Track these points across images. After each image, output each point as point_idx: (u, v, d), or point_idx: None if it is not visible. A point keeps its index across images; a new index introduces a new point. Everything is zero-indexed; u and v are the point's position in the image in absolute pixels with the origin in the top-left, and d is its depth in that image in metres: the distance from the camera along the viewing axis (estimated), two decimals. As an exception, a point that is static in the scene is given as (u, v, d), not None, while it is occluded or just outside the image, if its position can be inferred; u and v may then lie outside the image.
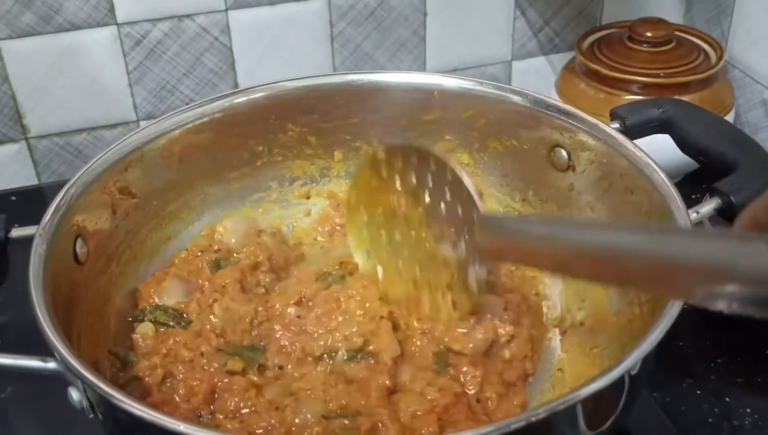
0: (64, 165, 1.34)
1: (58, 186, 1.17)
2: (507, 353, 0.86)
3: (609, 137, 0.90)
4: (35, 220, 0.82)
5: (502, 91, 0.99)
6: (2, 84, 1.25)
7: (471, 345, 0.85)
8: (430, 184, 0.85)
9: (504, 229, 0.80)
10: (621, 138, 0.89)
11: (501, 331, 0.87)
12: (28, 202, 1.27)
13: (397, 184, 0.87)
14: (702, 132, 0.89)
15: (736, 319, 0.96)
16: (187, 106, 0.99)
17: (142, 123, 1.34)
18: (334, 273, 0.94)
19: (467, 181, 0.81)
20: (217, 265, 0.96)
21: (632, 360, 0.67)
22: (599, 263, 0.69)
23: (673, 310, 0.69)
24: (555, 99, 0.97)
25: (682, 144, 0.90)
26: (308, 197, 1.08)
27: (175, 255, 0.99)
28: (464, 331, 0.86)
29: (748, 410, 0.90)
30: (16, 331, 1.01)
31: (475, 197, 0.81)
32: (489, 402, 0.82)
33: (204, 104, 1.00)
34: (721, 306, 0.58)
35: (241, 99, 1.01)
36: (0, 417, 0.95)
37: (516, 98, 0.98)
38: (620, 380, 0.67)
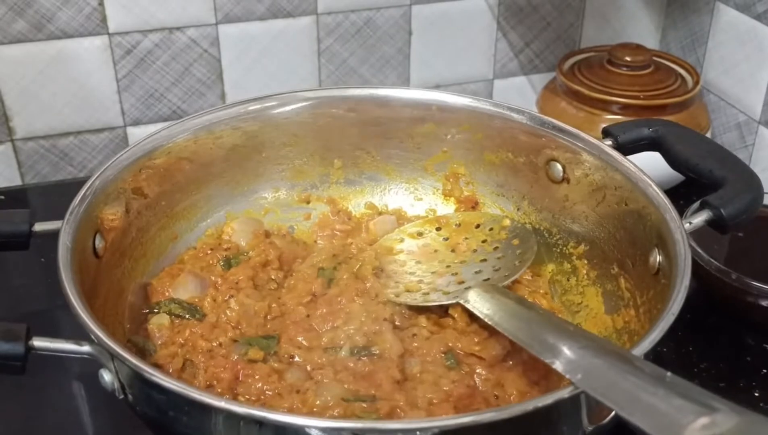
0: (48, 167, 1.37)
1: (42, 187, 1.22)
2: (525, 354, 0.88)
3: (604, 153, 0.96)
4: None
5: (500, 109, 1.06)
6: None
7: (486, 353, 0.89)
8: (495, 256, 1.02)
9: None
10: (615, 154, 0.96)
11: None
12: (12, 203, 1.31)
13: (483, 236, 1.06)
14: (691, 150, 0.94)
15: (719, 326, 1.02)
16: (198, 113, 1.04)
17: (130, 129, 1.38)
18: (326, 266, 1.00)
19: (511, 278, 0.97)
20: (228, 263, 1.01)
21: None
22: None
23: (674, 308, 0.75)
24: (551, 117, 1.03)
25: (672, 161, 0.96)
26: (308, 202, 1.13)
27: (184, 252, 1.04)
28: (477, 340, 0.91)
29: None
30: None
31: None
32: (511, 398, 0.85)
33: (214, 111, 1.05)
34: None
35: (250, 107, 1.07)
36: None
37: (514, 115, 1.04)
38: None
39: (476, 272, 0.99)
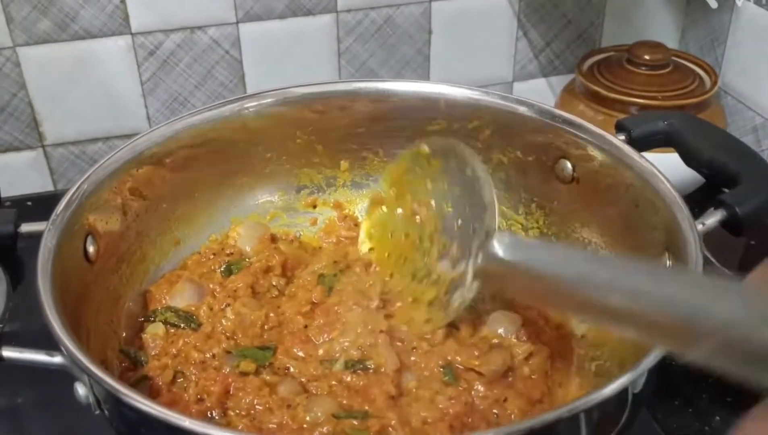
0: (79, 173, 1.27)
1: None
2: (526, 370, 0.81)
3: (615, 148, 0.87)
4: (49, 224, 0.80)
5: (508, 102, 0.96)
6: (19, 90, 1.23)
7: (486, 368, 0.80)
8: (458, 194, 0.82)
9: (517, 261, 0.74)
10: (627, 149, 0.86)
11: (517, 350, 0.83)
12: (44, 209, 1.22)
13: (429, 185, 0.84)
14: (706, 144, 0.86)
15: None
16: (198, 110, 0.96)
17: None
18: (327, 273, 0.91)
19: (494, 202, 0.78)
20: (228, 270, 0.93)
21: (637, 372, 0.64)
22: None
23: None
24: (560, 110, 0.94)
25: (687, 156, 0.87)
26: (314, 206, 1.05)
27: (188, 257, 0.96)
28: (477, 353, 0.81)
29: None
30: (29, 333, 0.97)
31: (496, 219, 0.77)
32: (512, 416, 0.77)
33: (214, 108, 0.97)
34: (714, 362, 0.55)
35: (250, 104, 0.98)
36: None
37: (522, 109, 0.95)
38: (623, 392, 0.64)
39: (458, 226, 0.83)
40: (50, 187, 1.32)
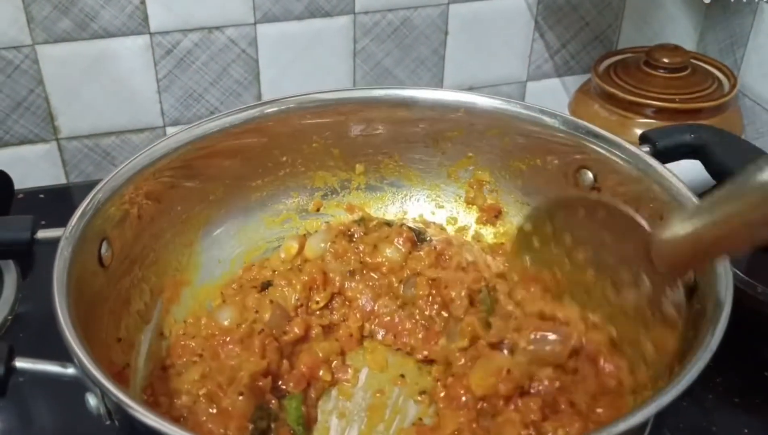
0: (91, 166, 1.31)
1: (85, 186, 1.16)
2: None
3: (640, 161, 0.85)
4: (61, 219, 0.78)
5: (530, 111, 0.94)
6: (37, 86, 1.22)
7: None
8: (586, 233, 0.79)
9: (684, 229, 0.69)
10: (652, 161, 0.84)
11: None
12: (56, 201, 1.25)
13: (553, 249, 0.82)
14: (733, 157, 0.84)
15: (733, 341, 0.92)
16: (215, 116, 0.95)
17: (169, 129, 1.31)
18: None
19: (621, 206, 0.75)
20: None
21: (658, 404, 0.61)
22: None
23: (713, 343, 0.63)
24: (584, 121, 0.92)
25: (713, 169, 0.85)
26: (318, 209, 1.05)
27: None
28: None
29: (745, 430, 0.88)
30: (37, 330, 0.97)
31: (639, 219, 0.73)
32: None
33: (232, 114, 0.95)
34: None
35: (270, 110, 0.96)
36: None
37: (546, 119, 0.93)
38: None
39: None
40: (63, 180, 1.31)
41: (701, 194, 0.76)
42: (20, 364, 0.66)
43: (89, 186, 0.81)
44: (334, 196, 1.04)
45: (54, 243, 0.75)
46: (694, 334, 0.67)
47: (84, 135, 1.28)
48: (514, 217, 0.99)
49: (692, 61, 1.25)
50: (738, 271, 0.92)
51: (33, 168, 1.27)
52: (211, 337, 0.86)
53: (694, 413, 0.90)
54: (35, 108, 1.23)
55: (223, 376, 0.79)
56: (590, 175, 0.90)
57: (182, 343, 0.86)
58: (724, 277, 0.69)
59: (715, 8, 1.40)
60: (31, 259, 1.07)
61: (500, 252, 0.98)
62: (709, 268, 0.71)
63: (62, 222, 0.77)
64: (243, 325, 0.86)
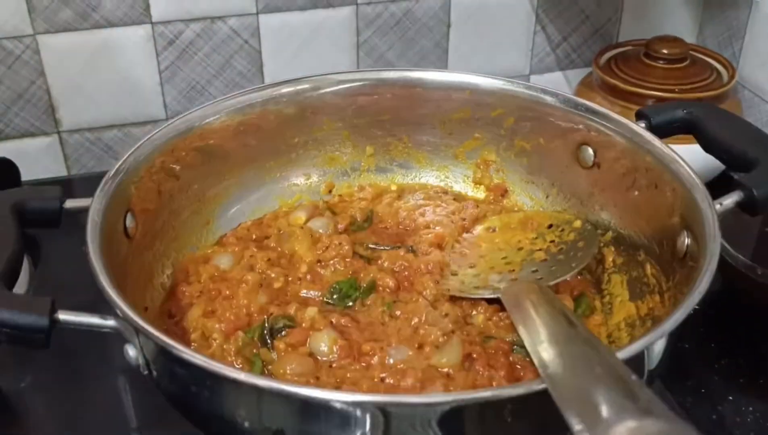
0: (93, 160, 1.36)
1: (87, 179, 1.20)
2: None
3: (636, 135, 0.93)
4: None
5: (532, 91, 1.03)
6: (38, 78, 1.27)
7: None
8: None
9: None
10: (648, 135, 0.92)
11: None
12: None
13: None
14: (725, 131, 0.91)
15: (738, 322, 0.98)
16: (231, 94, 1.02)
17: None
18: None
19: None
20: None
21: (655, 335, 0.69)
22: None
23: (701, 286, 0.71)
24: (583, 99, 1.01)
25: (706, 143, 0.92)
26: (330, 191, 1.12)
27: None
28: None
29: (750, 409, 0.92)
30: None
31: None
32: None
33: (248, 93, 1.03)
34: None
35: (285, 90, 1.04)
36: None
37: (546, 97, 1.02)
38: (640, 354, 0.69)
39: (533, 271, 0.94)
40: (64, 173, 1.36)
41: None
42: (63, 316, 0.72)
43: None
44: (344, 177, 1.11)
45: (81, 213, 0.83)
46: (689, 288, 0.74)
47: (85, 128, 1.33)
48: (519, 196, 1.08)
49: (691, 52, 1.32)
50: (740, 255, 0.99)
51: (34, 161, 1.32)
52: (220, 281, 0.94)
53: (700, 394, 0.94)
54: (36, 100, 1.28)
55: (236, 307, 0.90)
56: (590, 151, 0.98)
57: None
58: (714, 237, 0.78)
59: (712, 2, 1.46)
60: (38, 253, 1.14)
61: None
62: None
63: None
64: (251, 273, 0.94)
